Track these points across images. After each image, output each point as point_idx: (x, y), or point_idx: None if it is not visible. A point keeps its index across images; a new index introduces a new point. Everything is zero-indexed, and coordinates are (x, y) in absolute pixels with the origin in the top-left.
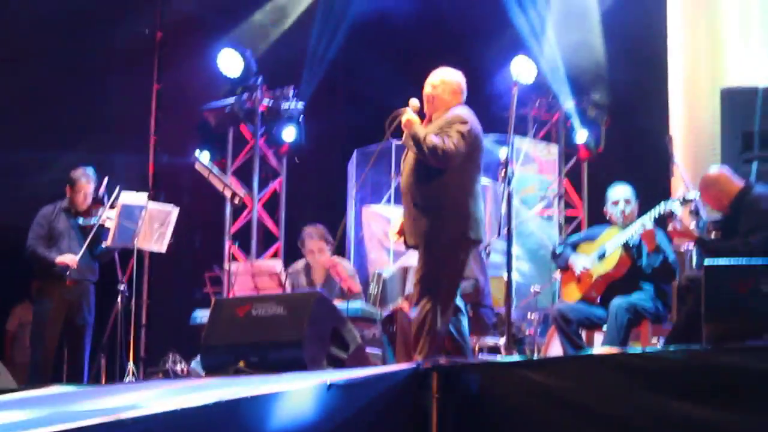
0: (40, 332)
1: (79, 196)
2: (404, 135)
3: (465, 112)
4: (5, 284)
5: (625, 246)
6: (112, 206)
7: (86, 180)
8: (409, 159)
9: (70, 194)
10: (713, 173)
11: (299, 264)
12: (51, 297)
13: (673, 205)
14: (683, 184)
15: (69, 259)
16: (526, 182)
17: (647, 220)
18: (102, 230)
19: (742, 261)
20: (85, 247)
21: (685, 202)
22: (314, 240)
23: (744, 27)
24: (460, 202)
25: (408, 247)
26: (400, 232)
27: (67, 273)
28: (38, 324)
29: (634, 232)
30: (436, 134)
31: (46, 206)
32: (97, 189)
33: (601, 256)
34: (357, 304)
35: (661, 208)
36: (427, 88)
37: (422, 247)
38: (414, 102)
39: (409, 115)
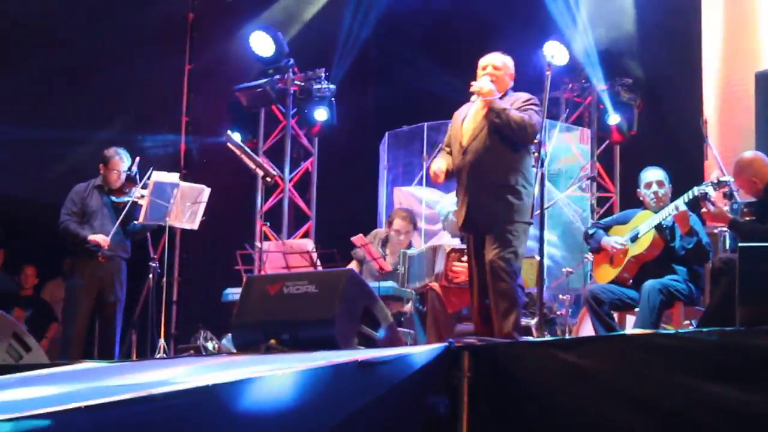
0: (72, 308)
1: (113, 174)
2: (487, 107)
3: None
4: (39, 260)
5: (659, 228)
6: (144, 186)
7: (119, 158)
8: (480, 138)
9: (104, 172)
10: (748, 157)
11: (382, 233)
12: (83, 273)
13: (707, 188)
14: (717, 166)
15: (101, 239)
16: (563, 153)
17: (680, 203)
18: (135, 208)
19: None
20: (117, 224)
21: (719, 184)
22: (403, 222)
23: None
24: (528, 183)
25: (466, 228)
26: (447, 175)
27: (99, 251)
28: (70, 300)
29: (667, 214)
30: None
31: (79, 184)
32: (129, 168)
33: (634, 238)
34: (389, 284)
35: (694, 190)
36: (489, 69)
37: (498, 226)
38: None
39: (490, 85)
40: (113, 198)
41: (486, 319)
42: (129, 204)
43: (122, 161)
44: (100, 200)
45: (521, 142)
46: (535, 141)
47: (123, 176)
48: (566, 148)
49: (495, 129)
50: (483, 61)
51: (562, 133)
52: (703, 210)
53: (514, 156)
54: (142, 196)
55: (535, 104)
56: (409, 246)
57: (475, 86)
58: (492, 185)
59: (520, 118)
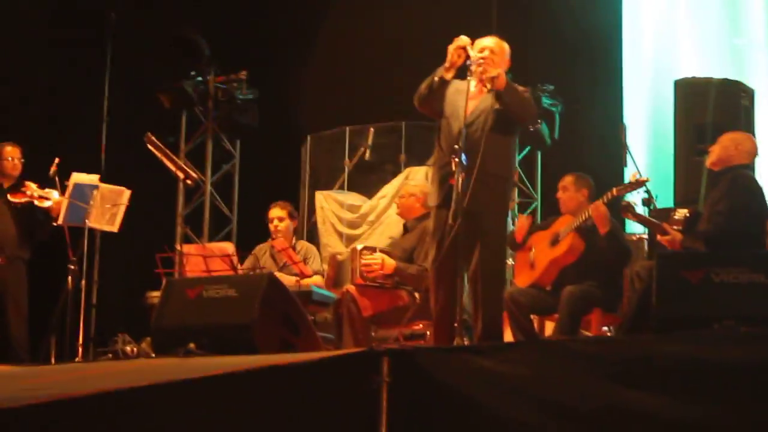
0: None
1: (7, 162)
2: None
3: None
4: None
5: (578, 229)
6: (55, 188)
7: (11, 146)
8: (482, 120)
9: None
10: (746, 135)
11: (257, 248)
12: None
13: (627, 192)
14: (634, 167)
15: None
16: None
17: (599, 203)
18: (37, 210)
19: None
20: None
21: (636, 184)
22: (276, 208)
23: (698, 18)
24: (515, 173)
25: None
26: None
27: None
28: None
29: (586, 215)
30: None
31: None
32: (49, 169)
33: (555, 242)
34: (309, 288)
35: (612, 191)
36: (486, 53)
37: (489, 214)
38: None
39: (497, 70)
40: (10, 198)
41: (447, 315)
42: (30, 206)
43: (14, 147)
44: None
45: (526, 119)
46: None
47: (20, 165)
48: None
49: (497, 113)
50: (479, 44)
51: None
52: (659, 237)
53: (511, 145)
54: (44, 198)
55: (531, 94)
56: (293, 239)
57: (490, 72)
58: (490, 174)
59: (522, 95)
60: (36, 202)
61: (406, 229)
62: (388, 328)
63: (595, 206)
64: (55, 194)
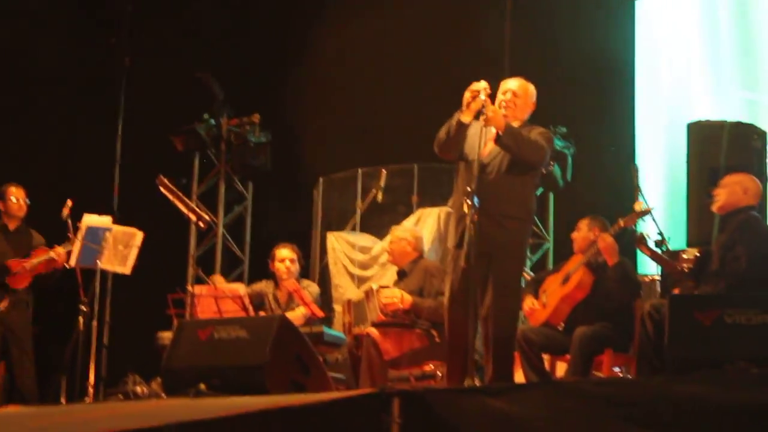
0: None
1: (11, 203)
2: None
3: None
4: None
5: (587, 264)
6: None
7: (15, 187)
8: (497, 162)
9: (4, 208)
10: (750, 177)
11: (263, 284)
12: None
13: (636, 220)
14: (640, 199)
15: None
16: None
17: (606, 234)
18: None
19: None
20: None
21: (642, 213)
22: (287, 249)
23: (713, 61)
24: (533, 215)
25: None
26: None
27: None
28: None
29: (595, 249)
30: None
31: None
32: (62, 211)
33: (566, 280)
34: (320, 329)
35: (619, 222)
36: (509, 95)
37: (503, 255)
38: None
39: (496, 111)
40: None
41: (460, 355)
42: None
43: (18, 187)
44: (3, 241)
45: (534, 162)
46: (543, 169)
47: (24, 205)
48: None
49: (510, 153)
50: (504, 86)
51: None
52: (676, 291)
53: (527, 187)
54: (46, 263)
55: (548, 136)
56: (298, 278)
57: (489, 112)
58: (507, 216)
59: (524, 137)
60: (43, 269)
61: (404, 274)
62: (407, 370)
63: (602, 238)
64: (52, 251)
